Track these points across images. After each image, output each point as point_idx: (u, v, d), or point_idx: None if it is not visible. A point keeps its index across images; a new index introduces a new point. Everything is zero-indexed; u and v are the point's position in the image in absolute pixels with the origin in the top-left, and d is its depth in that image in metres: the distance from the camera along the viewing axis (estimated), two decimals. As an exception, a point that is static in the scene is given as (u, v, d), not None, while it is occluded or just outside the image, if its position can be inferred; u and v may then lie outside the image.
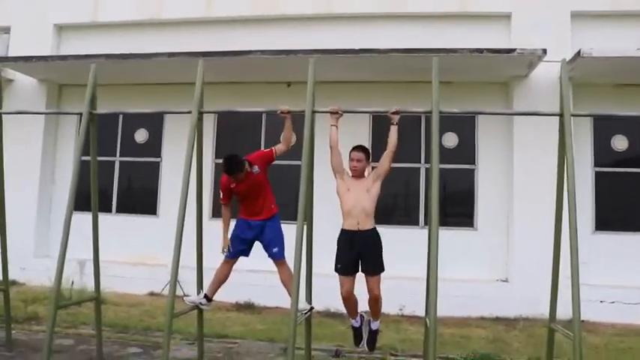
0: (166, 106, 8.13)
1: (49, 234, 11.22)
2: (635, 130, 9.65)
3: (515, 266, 9.38)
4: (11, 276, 6.86)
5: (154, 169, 11.16)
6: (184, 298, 6.13)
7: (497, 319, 8.73)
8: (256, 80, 10.36)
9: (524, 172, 9.45)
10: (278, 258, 5.90)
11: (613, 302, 8.78)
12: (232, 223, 6.12)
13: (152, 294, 9.96)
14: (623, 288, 8.84)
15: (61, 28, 11.63)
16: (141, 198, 11.45)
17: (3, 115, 6.43)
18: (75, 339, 7.04)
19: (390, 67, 9.35)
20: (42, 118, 11.13)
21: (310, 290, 5.66)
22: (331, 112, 5.44)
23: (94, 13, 11.36)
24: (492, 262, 9.75)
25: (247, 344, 7.05)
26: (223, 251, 6.02)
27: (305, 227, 5.08)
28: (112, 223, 10.37)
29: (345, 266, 5.35)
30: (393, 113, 5.33)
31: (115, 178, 11.32)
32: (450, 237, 8.76)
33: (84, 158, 5.79)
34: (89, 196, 6.08)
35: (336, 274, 5.42)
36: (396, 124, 5.36)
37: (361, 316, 5.65)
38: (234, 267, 6.08)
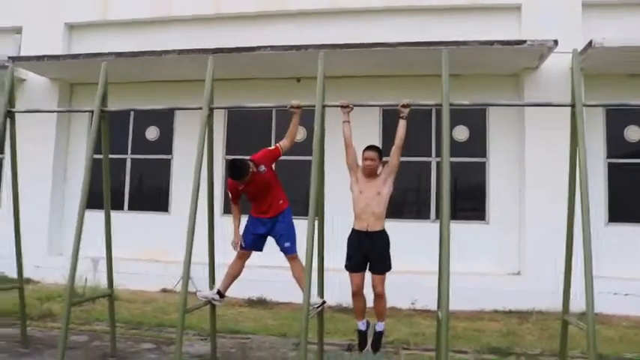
0: (177, 104, 8.17)
1: (62, 232, 11.30)
2: (649, 121, 9.57)
3: (527, 259, 9.34)
4: (25, 274, 6.93)
5: (165, 166, 11.21)
6: (197, 293, 6.14)
7: (510, 313, 8.69)
8: (266, 76, 10.36)
9: (535, 164, 9.39)
10: (290, 253, 5.86)
11: (627, 295, 8.71)
12: (244, 220, 6.11)
13: (164, 290, 10.02)
14: (636, 280, 8.76)
15: (72, 27, 11.69)
16: (152, 195, 11.51)
17: (16, 115, 6.48)
18: (89, 335, 7.10)
19: (399, 60, 9.32)
20: (54, 116, 11.21)
21: (322, 285, 5.68)
22: (342, 107, 5.44)
23: (105, 12, 11.41)
24: (504, 255, 9.70)
25: (260, 339, 7.07)
26: (234, 247, 6.03)
27: (316, 222, 5.09)
28: (123, 220, 10.38)
29: (354, 264, 5.46)
30: (403, 106, 5.32)
31: (126, 175, 11.38)
32: (461, 231, 8.74)
33: (96, 156, 5.83)
34: (101, 193, 6.13)
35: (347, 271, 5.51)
36: (405, 118, 5.37)
37: (368, 322, 5.69)
38: (247, 263, 6.09)
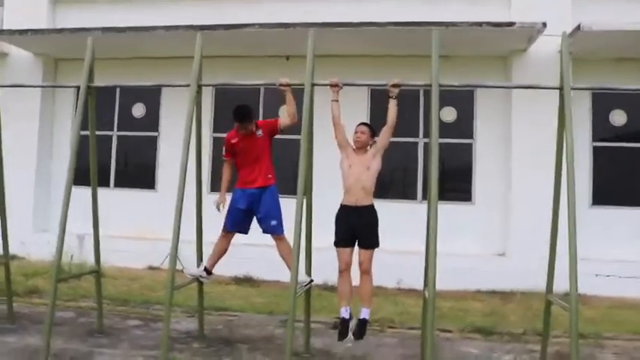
0: (164, 80, 8.07)
1: (49, 209, 11.23)
2: (634, 106, 9.64)
3: (512, 240, 9.45)
4: (11, 250, 6.88)
5: (152, 144, 11.14)
6: (184, 270, 6.12)
7: (494, 293, 8.80)
8: (255, 54, 10.25)
9: (522, 146, 9.46)
10: (277, 233, 5.82)
11: (608, 276, 8.84)
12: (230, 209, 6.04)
13: (151, 268, 10.00)
14: (618, 262, 8.89)
15: (56, 1, 11.46)
16: (139, 172, 11.44)
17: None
18: (75, 312, 7.11)
19: (389, 40, 9.28)
20: (38, 92, 11.06)
21: (310, 263, 5.71)
22: (331, 85, 5.42)
23: (90, -14, 11.21)
24: (489, 236, 9.81)
25: (247, 317, 7.12)
26: (217, 207, 5.98)
27: (304, 200, 5.10)
28: (110, 197, 10.34)
29: (343, 239, 5.41)
30: (393, 86, 5.31)
31: (112, 152, 11.29)
32: (447, 211, 8.68)
33: (82, 132, 5.78)
34: (87, 170, 6.08)
35: (335, 249, 5.47)
36: (395, 97, 5.35)
37: (351, 313, 5.40)
38: (233, 241, 6.09)
